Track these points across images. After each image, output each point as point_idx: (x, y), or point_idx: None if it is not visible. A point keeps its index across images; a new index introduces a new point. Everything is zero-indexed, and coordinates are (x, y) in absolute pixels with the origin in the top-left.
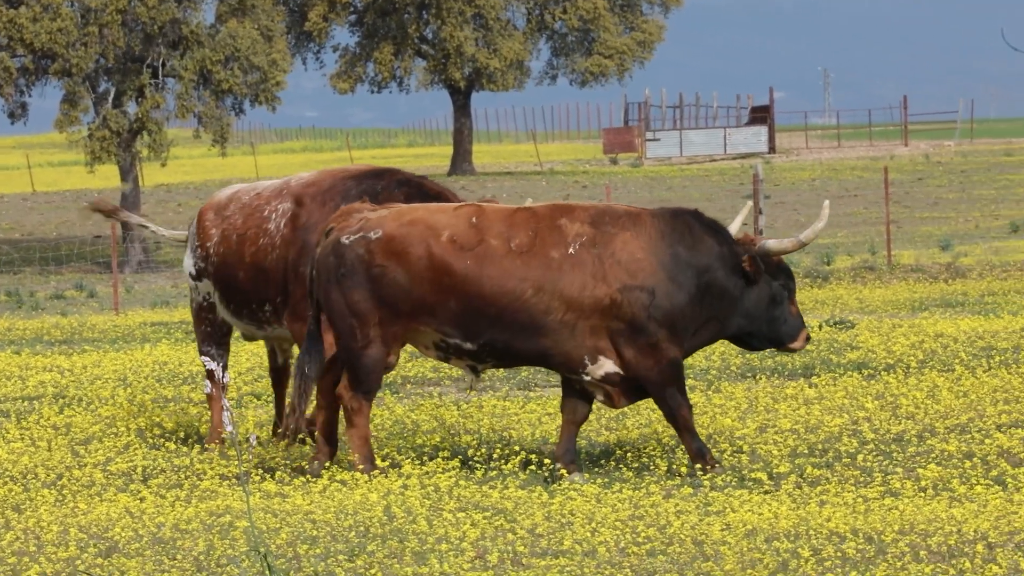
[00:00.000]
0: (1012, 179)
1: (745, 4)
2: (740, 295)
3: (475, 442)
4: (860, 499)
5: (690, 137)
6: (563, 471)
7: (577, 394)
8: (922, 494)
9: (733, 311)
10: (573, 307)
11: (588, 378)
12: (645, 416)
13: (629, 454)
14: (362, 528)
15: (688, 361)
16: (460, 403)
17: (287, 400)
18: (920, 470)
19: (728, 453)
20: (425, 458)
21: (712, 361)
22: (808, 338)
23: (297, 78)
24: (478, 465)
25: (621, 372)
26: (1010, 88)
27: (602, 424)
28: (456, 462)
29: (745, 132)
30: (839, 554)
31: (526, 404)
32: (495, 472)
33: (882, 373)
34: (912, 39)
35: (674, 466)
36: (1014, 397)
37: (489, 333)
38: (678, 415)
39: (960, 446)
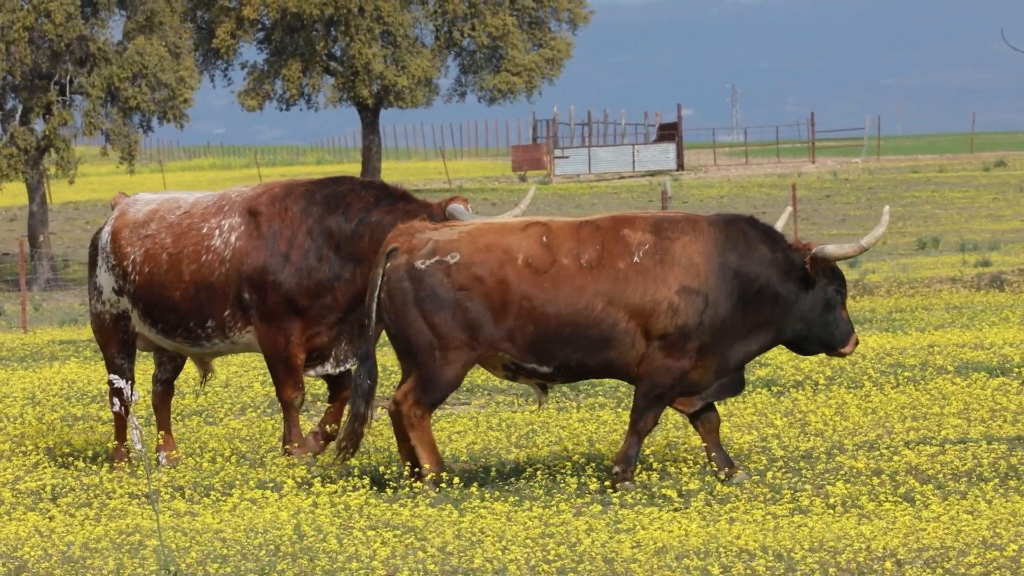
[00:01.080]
0: (919, 196)
1: (653, 21)
2: (795, 300)
3: (386, 460)
4: (769, 516)
5: (598, 154)
6: (725, 473)
7: (707, 406)
8: (831, 511)
9: (789, 316)
10: (635, 314)
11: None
12: (555, 434)
13: (539, 472)
14: (272, 547)
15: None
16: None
17: (343, 415)
18: (829, 487)
19: (638, 471)
20: (336, 476)
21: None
22: (857, 342)
23: (205, 95)
24: (389, 483)
25: (639, 375)
26: (916, 105)
27: (512, 442)
28: (367, 480)
29: (653, 149)
30: (749, 571)
31: (436, 423)
32: (406, 490)
33: (791, 390)
34: (819, 56)
35: (584, 484)
36: (922, 414)
37: (563, 354)
38: (644, 422)
39: (869, 463)
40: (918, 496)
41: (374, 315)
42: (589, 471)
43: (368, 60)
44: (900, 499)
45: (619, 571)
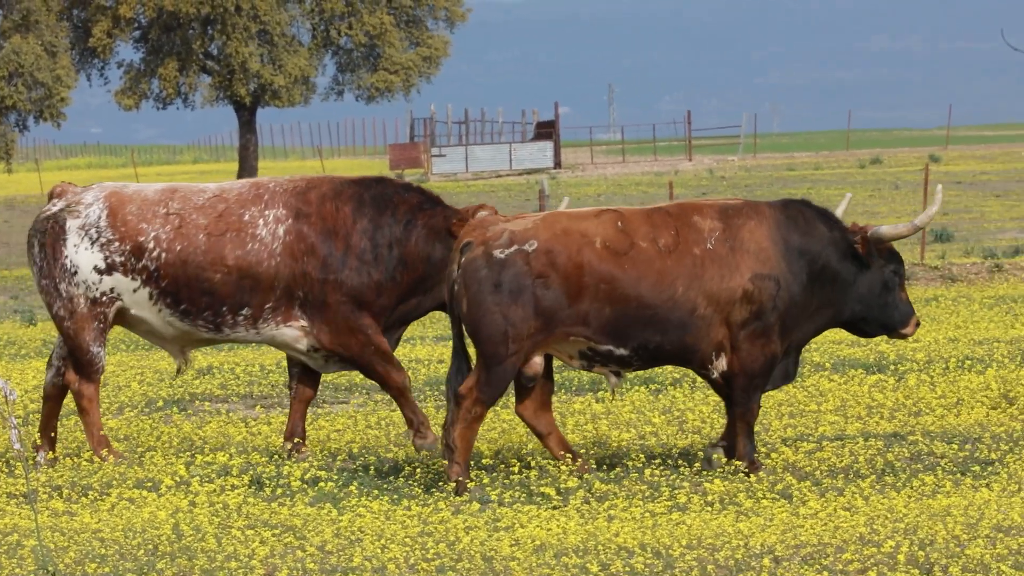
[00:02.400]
0: (795, 193)
1: (529, 19)
2: (853, 281)
3: (264, 459)
4: (648, 514)
5: (476, 153)
6: (717, 455)
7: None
8: (709, 508)
9: (847, 297)
10: (712, 301)
11: (714, 374)
12: (434, 431)
13: (418, 470)
14: (151, 546)
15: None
16: (248, 420)
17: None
18: (707, 484)
19: (517, 469)
20: (214, 475)
21: None
22: (918, 323)
23: (82, 94)
24: (267, 482)
25: (727, 368)
26: (792, 103)
27: (390, 440)
28: (245, 479)
29: (531, 147)
30: (628, 569)
31: (315, 420)
32: (284, 489)
33: (669, 388)
34: (695, 55)
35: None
36: (799, 411)
37: (642, 336)
38: (749, 412)
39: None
40: (796, 493)
41: (456, 311)
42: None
43: (245, 59)
44: (778, 496)
45: (498, 569)
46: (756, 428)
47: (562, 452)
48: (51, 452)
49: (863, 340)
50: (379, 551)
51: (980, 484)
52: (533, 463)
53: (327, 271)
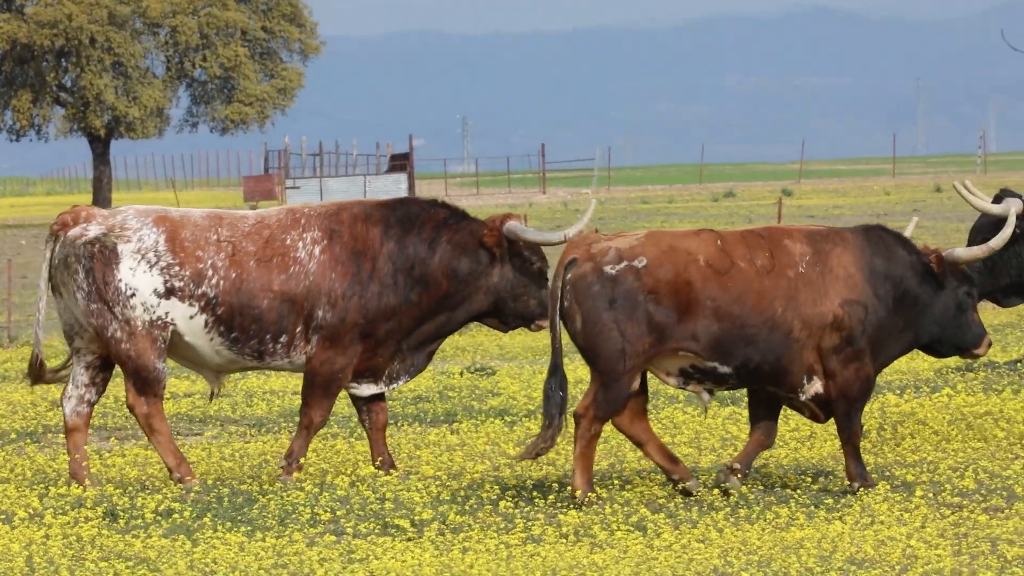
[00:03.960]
0: (648, 226)
1: (384, 53)
2: (931, 303)
3: (118, 491)
4: (502, 545)
5: (330, 185)
6: (737, 476)
7: (771, 416)
8: (563, 540)
9: (926, 319)
10: (806, 325)
11: (803, 397)
12: None
13: (272, 502)
14: None
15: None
16: (102, 452)
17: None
18: (561, 516)
19: (371, 500)
20: (68, 507)
21: (353, 409)
22: (990, 344)
23: None
24: (121, 514)
25: (822, 392)
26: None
27: (245, 472)
28: (99, 511)
29: (385, 180)
30: None
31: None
32: (138, 521)
33: (523, 419)
34: (549, 89)
35: (317, 514)
36: None
37: (744, 354)
38: (853, 435)
39: (601, 492)
40: (650, 525)
41: (559, 327)
42: (323, 501)
43: (99, 91)
44: (632, 528)
45: None
46: (611, 460)
47: (663, 459)
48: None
49: None
50: None
51: (833, 517)
52: (388, 494)
53: (349, 293)
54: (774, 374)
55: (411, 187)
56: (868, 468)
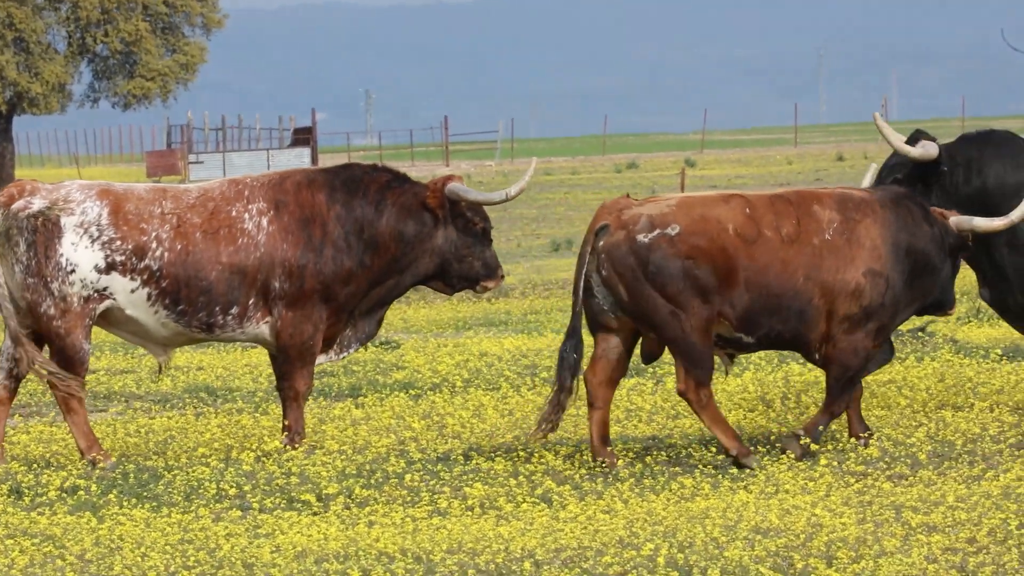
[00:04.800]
0: (552, 198)
1: (287, 27)
2: (942, 271)
3: (23, 468)
4: (408, 519)
5: (233, 159)
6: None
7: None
8: (469, 513)
9: (936, 287)
10: (826, 292)
11: (817, 360)
12: (193, 439)
13: (178, 478)
14: None
15: (237, 383)
16: (7, 429)
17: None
18: (467, 489)
19: (277, 475)
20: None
21: (260, 383)
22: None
23: None
24: (26, 491)
25: (828, 358)
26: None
27: (150, 448)
28: (4, 488)
29: (288, 154)
30: (388, 574)
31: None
32: (44, 498)
33: (428, 392)
34: (452, 61)
35: (223, 490)
36: None
37: (769, 324)
38: (838, 405)
39: (506, 465)
40: (555, 497)
41: (581, 292)
42: (228, 476)
43: (1, 67)
44: (538, 500)
45: None
46: (516, 432)
47: (597, 436)
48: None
49: None
50: (139, 559)
51: (738, 487)
52: (294, 469)
53: (303, 260)
54: (794, 340)
55: (314, 161)
56: (772, 438)
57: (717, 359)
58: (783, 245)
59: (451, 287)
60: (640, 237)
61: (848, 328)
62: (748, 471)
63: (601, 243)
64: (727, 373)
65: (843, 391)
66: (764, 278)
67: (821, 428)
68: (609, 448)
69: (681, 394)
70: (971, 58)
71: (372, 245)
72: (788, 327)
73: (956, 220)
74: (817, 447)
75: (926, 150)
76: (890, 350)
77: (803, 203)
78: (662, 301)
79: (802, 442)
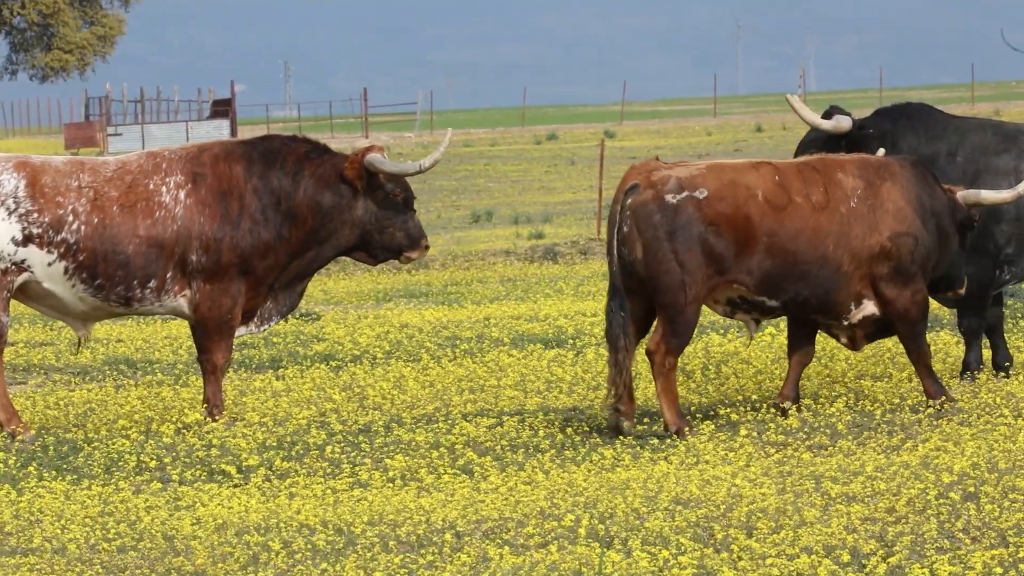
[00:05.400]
0: (472, 169)
1: None
2: (953, 243)
3: None
4: (329, 491)
5: (152, 131)
6: (786, 406)
7: (808, 340)
8: (390, 484)
9: (949, 256)
10: (855, 257)
11: (846, 323)
12: (113, 412)
13: (98, 450)
14: None
15: (157, 356)
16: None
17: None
18: (388, 460)
19: (197, 447)
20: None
21: (180, 355)
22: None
23: None
24: None
25: (878, 313)
26: (467, 79)
27: (70, 420)
28: None
29: (207, 126)
30: (309, 546)
31: None
32: None
33: (349, 364)
34: (369, 31)
35: (143, 462)
36: (479, 386)
37: (794, 290)
38: (923, 353)
39: (427, 436)
40: (476, 468)
41: (615, 251)
42: (149, 448)
43: None
44: (459, 471)
45: (179, 548)
46: (437, 404)
47: (615, 389)
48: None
49: (541, 314)
50: (59, 531)
51: (659, 457)
52: (215, 441)
53: (220, 233)
54: (822, 306)
55: (233, 133)
56: (693, 408)
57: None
58: (813, 212)
59: (374, 258)
60: (668, 198)
61: (899, 283)
62: (669, 442)
63: (629, 200)
64: (751, 338)
65: (919, 342)
66: (793, 244)
67: (935, 384)
68: (631, 404)
69: (649, 353)
70: (888, 28)
71: (290, 217)
72: (815, 293)
73: (963, 194)
74: (737, 417)
75: (839, 124)
76: None
77: (828, 170)
78: (675, 265)
79: (941, 403)
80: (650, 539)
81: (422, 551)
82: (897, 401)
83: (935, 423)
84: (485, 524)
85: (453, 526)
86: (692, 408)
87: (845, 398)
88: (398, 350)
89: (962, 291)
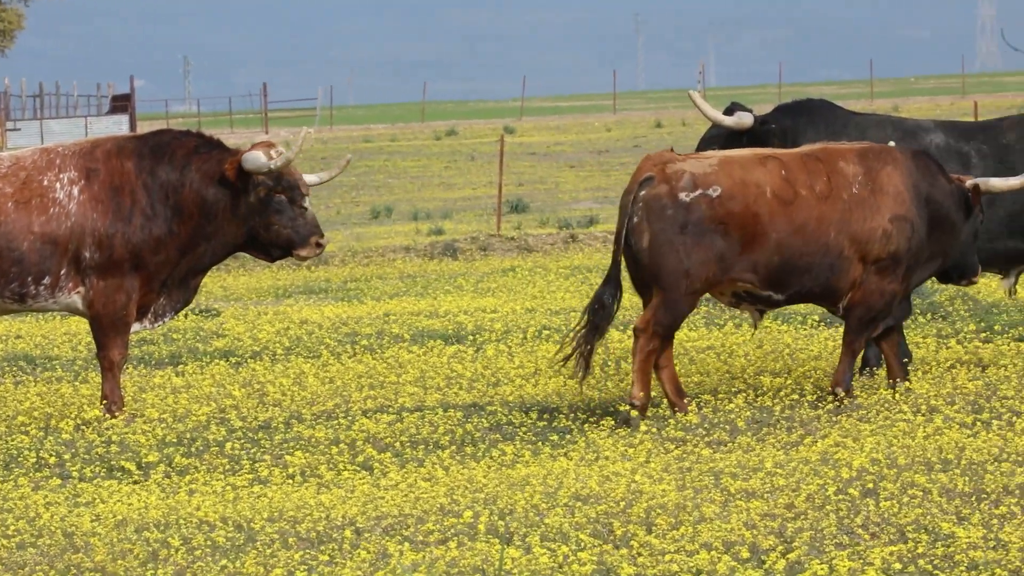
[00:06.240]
0: (371, 165)
1: None
2: (960, 231)
3: None
4: (229, 487)
5: (51, 127)
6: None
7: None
8: (290, 481)
9: (955, 246)
10: (855, 242)
11: (843, 306)
12: (12, 408)
13: None
14: None
15: (56, 352)
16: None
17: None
18: (288, 457)
19: (97, 443)
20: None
21: (79, 352)
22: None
23: None
24: None
25: (854, 300)
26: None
27: None
28: None
29: (106, 121)
30: (209, 543)
31: None
32: None
33: (249, 361)
34: (269, 29)
35: (43, 458)
36: (379, 383)
37: (799, 283)
38: (857, 345)
39: (327, 432)
40: (376, 464)
41: (622, 241)
42: (48, 445)
43: None
44: (359, 468)
45: (79, 545)
46: (337, 400)
47: (672, 389)
48: None
49: (441, 311)
50: None
51: (558, 453)
52: (114, 437)
53: (112, 229)
54: (824, 294)
55: (132, 128)
56: (592, 404)
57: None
58: (817, 204)
59: (268, 255)
60: (682, 195)
61: (876, 271)
62: (569, 438)
63: (643, 192)
64: (755, 327)
65: (862, 331)
66: (799, 239)
67: (848, 373)
68: (686, 398)
69: (636, 331)
70: (788, 25)
71: (178, 212)
72: (819, 282)
73: (972, 182)
74: (637, 413)
75: (741, 120)
76: (908, 307)
77: (832, 160)
78: (680, 259)
79: (839, 393)
80: (550, 535)
81: (322, 547)
82: (796, 397)
83: (834, 419)
84: (385, 520)
85: (353, 522)
86: (592, 404)
87: (744, 394)
88: (298, 346)
89: (977, 279)
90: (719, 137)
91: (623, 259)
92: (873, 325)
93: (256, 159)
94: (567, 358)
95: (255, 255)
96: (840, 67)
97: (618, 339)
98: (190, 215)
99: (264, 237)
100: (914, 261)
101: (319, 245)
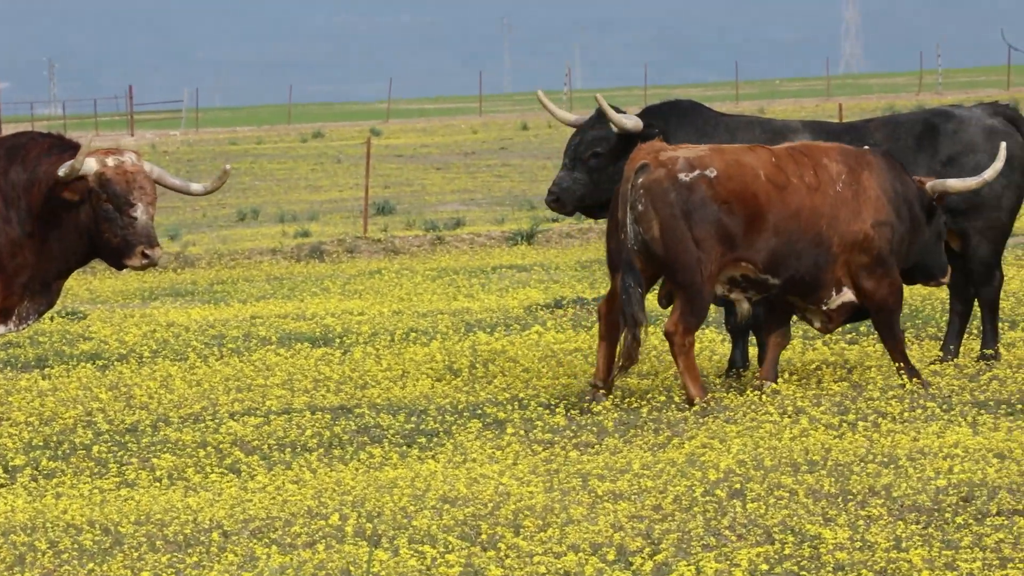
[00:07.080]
0: (238, 167)
1: None
2: (923, 231)
3: None
4: (96, 490)
5: None
6: (769, 384)
7: (784, 323)
8: (158, 484)
9: (917, 246)
10: (841, 240)
11: (825, 307)
12: None
13: None
14: None
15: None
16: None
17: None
18: (155, 460)
19: None
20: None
21: None
22: (950, 273)
23: None
24: None
25: (856, 301)
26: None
27: None
28: None
29: None
30: (76, 546)
31: None
32: None
33: (116, 363)
34: (135, 28)
35: None
36: (247, 385)
37: (793, 268)
38: (899, 342)
39: (195, 435)
40: (244, 467)
41: (629, 228)
42: None
43: None
44: (226, 470)
45: None
46: (204, 403)
47: (604, 365)
48: None
49: (308, 313)
50: None
51: (426, 456)
52: None
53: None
54: (811, 287)
55: None
56: (460, 407)
57: (714, 307)
58: (809, 192)
59: (111, 262)
60: (681, 176)
61: (872, 273)
62: (436, 440)
63: (640, 180)
64: (741, 320)
65: (894, 330)
66: (794, 223)
67: (911, 366)
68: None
69: (667, 335)
70: (654, 27)
71: (30, 214)
72: (810, 272)
73: (932, 184)
74: (504, 415)
75: (637, 123)
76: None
77: (816, 156)
78: (692, 243)
79: (915, 384)
80: (417, 537)
81: (189, 550)
82: (663, 399)
83: (701, 421)
84: (252, 523)
85: (220, 525)
86: (459, 407)
87: (612, 396)
88: (165, 349)
89: (946, 280)
90: (603, 140)
91: (608, 244)
92: (897, 320)
93: (72, 166)
94: (625, 358)
95: (105, 261)
96: (706, 69)
97: (486, 340)
98: (42, 217)
99: (100, 244)
100: (899, 257)
101: (145, 256)
